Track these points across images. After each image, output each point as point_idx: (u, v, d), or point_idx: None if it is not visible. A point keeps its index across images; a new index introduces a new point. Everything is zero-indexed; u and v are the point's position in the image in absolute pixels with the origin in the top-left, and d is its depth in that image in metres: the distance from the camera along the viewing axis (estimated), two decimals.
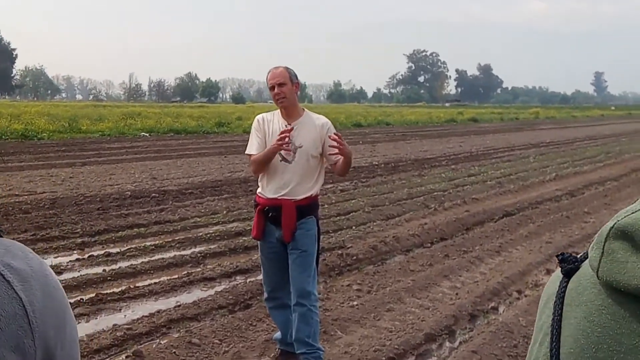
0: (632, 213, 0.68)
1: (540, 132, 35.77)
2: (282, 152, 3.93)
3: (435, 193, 11.55)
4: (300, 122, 3.99)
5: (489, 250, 7.54)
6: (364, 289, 5.99)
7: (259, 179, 4.13)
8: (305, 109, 4.15)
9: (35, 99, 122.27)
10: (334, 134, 3.85)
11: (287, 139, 3.82)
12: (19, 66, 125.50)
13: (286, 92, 3.93)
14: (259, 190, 4.10)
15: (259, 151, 3.98)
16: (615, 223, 0.68)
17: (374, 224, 8.83)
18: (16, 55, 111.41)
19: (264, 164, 3.96)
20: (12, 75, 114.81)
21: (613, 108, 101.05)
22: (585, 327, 0.68)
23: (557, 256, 0.77)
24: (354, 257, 7.02)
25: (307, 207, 3.98)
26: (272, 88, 3.96)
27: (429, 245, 7.83)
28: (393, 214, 9.56)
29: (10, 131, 22.24)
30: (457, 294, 5.93)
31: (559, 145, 25.15)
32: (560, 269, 0.75)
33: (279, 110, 4.04)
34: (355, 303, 5.54)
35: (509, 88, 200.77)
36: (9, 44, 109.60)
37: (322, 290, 5.74)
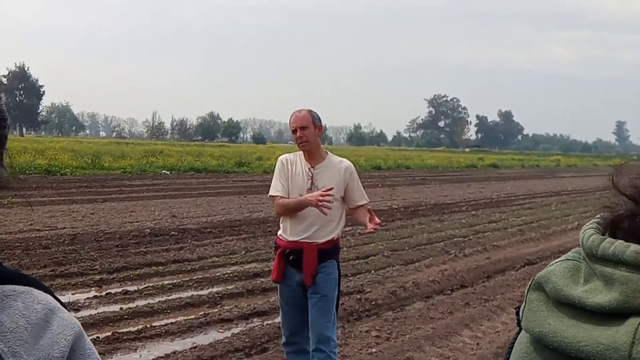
0: (550, 266, 0.73)
1: (562, 180, 35.52)
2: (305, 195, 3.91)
3: (456, 239, 11.43)
4: (323, 166, 3.98)
5: (511, 300, 7.39)
6: (383, 335, 5.88)
7: (280, 221, 4.09)
8: (328, 152, 4.15)
9: (60, 135, 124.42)
10: (376, 224, 3.86)
11: (327, 202, 3.77)
12: (45, 102, 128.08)
13: (308, 135, 3.93)
14: (279, 232, 4.07)
15: (283, 193, 3.94)
16: (536, 275, 0.73)
17: (393, 268, 8.73)
18: (43, 92, 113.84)
19: (292, 212, 3.92)
20: (39, 111, 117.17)
21: (635, 158, 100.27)
22: None
23: (515, 308, 0.80)
24: (373, 302, 6.92)
25: (329, 251, 3.94)
26: (294, 131, 3.96)
27: (449, 292, 7.71)
28: (412, 259, 9.46)
29: (34, 166, 22.56)
30: (478, 343, 5.79)
31: (581, 193, 24.89)
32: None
33: (301, 152, 4.04)
34: (373, 350, 5.43)
35: (530, 135, 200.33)
36: (37, 80, 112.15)
37: (340, 335, 5.64)
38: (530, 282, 0.74)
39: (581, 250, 0.71)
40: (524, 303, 0.74)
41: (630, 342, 0.59)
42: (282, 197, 3.94)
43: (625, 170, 0.74)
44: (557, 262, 0.73)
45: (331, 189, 3.83)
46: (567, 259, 0.72)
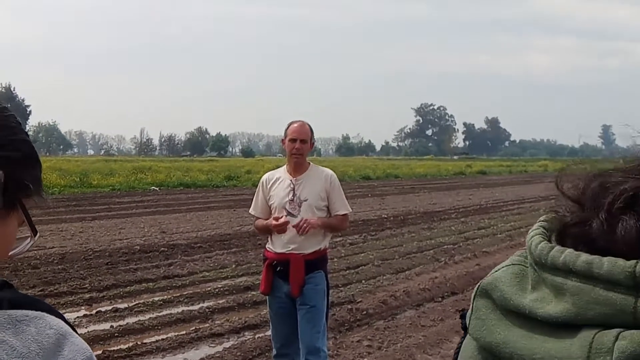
0: (495, 272, 0.69)
1: (550, 184, 35.60)
2: (288, 206, 3.97)
3: (446, 246, 11.48)
4: (305, 176, 4.04)
5: None
6: (375, 345, 5.90)
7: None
8: (311, 163, 4.20)
9: (48, 154, 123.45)
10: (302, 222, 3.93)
11: (283, 226, 3.92)
12: (32, 122, 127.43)
13: (305, 150, 4.02)
14: (267, 244, 4.11)
15: (257, 212, 4.14)
16: (481, 282, 0.70)
17: (384, 277, 8.75)
18: (30, 111, 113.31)
19: (263, 233, 4.22)
20: (26, 131, 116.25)
21: (622, 161, 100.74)
22: None
23: (459, 311, 0.78)
24: (364, 312, 6.94)
25: (316, 262, 3.97)
26: (293, 140, 4.00)
27: (440, 299, 7.73)
28: (403, 267, 9.49)
29: None
30: None
31: None
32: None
33: (285, 166, 4.10)
34: None
35: (517, 141, 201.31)
36: (23, 100, 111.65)
37: (332, 346, 5.65)
38: (475, 289, 0.71)
39: (526, 254, 0.68)
40: (470, 310, 0.70)
41: (586, 356, 0.57)
42: (257, 217, 4.14)
43: (569, 173, 0.74)
44: (502, 268, 0.70)
45: (281, 217, 3.94)
46: (513, 264, 0.69)
